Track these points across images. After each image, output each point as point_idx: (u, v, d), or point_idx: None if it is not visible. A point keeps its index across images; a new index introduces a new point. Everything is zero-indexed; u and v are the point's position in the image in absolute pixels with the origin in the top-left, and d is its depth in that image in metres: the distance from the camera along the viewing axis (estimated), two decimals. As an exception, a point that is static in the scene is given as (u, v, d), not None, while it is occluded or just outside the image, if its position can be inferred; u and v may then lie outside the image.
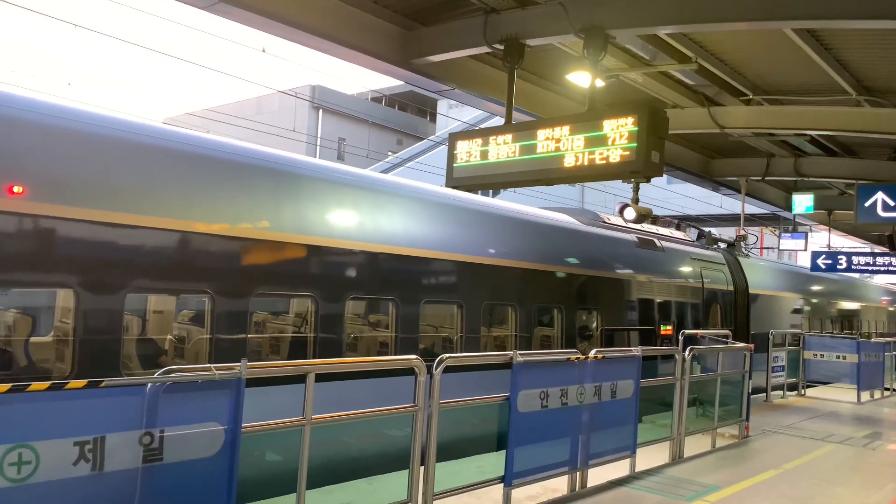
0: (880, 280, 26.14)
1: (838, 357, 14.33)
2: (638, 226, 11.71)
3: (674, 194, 27.94)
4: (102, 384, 3.44)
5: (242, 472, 3.92)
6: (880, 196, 9.68)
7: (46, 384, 3.31)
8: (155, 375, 3.65)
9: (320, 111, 36.05)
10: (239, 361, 3.92)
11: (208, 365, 3.91)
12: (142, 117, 6.37)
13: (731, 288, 14.03)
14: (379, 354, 7.28)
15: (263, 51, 17.70)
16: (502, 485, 5.63)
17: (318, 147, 32.53)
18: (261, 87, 28.00)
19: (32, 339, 5.21)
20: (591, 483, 6.53)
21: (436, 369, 5.08)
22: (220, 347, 5.69)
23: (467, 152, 7.68)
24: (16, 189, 4.73)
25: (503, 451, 5.67)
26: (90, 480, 3.32)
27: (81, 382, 3.39)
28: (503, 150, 7.34)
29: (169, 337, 6.09)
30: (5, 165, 4.80)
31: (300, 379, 4.44)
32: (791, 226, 22.09)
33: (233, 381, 3.85)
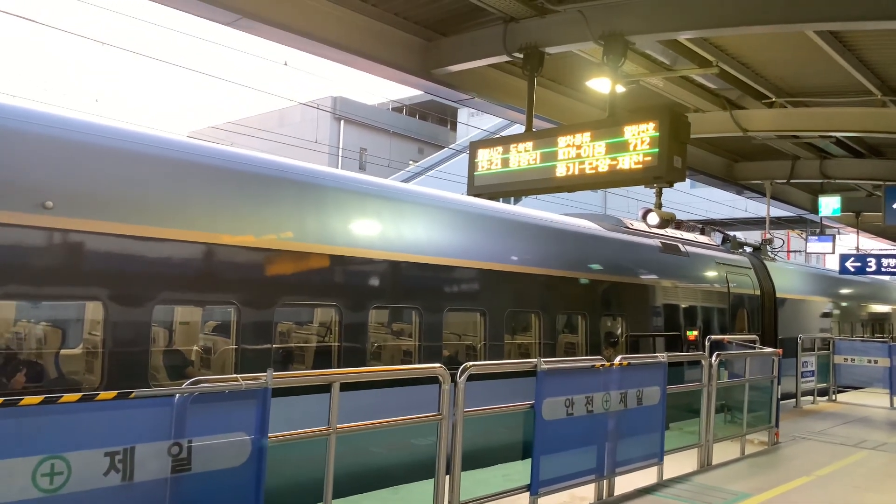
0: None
1: (870, 361, 14.04)
2: (661, 231, 11.61)
3: (697, 198, 27.67)
4: (132, 395, 3.50)
5: (269, 481, 3.95)
6: (909, 197, 9.51)
7: (77, 396, 3.37)
8: (183, 386, 3.70)
9: (342, 122, 36.35)
10: (265, 371, 3.96)
11: (235, 375, 3.95)
12: (167, 132, 6.49)
13: (758, 292, 13.84)
14: (402, 363, 7.29)
15: (286, 64, 17.92)
16: (528, 493, 5.60)
17: (339, 157, 32.80)
18: (283, 99, 28.38)
19: (63, 351, 5.32)
20: (618, 491, 6.46)
21: (460, 377, 5.08)
22: (246, 358, 5.75)
23: (488, 160, 7.70)
24: (48, 204, 4.84)
25: (529, 460, 5.64)
26: (120, 490, 3.37)
27: (112, 394, 3.45)
28: (524, 157, 7.35)
29: (195, 348, 6.17)
30: (40, 181, 4.91)
31: (325, 388, 4.46)
32: (818, 228, 21.74)
33: (259, 391, 3.88)
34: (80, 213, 5.03)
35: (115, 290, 5.15)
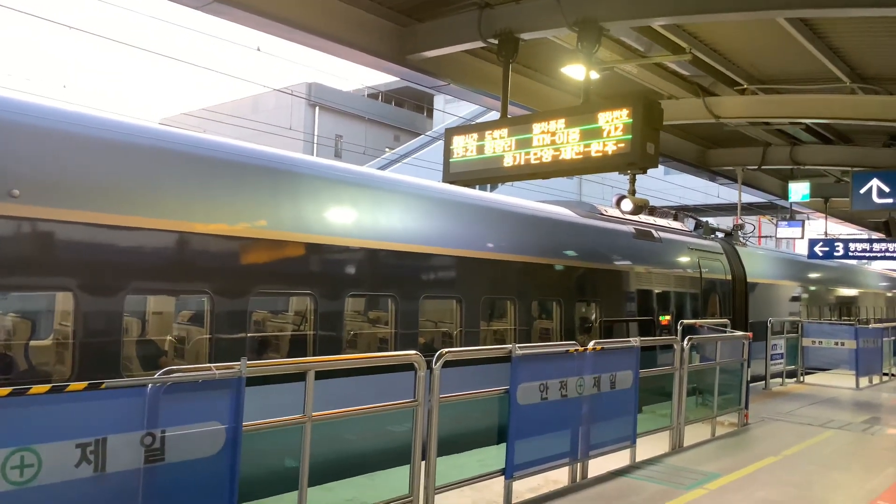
0: (878, 266, 26.20)
1: (837, 343, 14.38)
2: (635, 217, 11.72)
3: (671, 185, 27.97)
4: (103, 386, 3.46)
5: (244, 470, 3.94)
6: (875, 183, 9.71)
7: (47, 387, 3.33)
8: (155, 376, 3.68)
9: (317, 108, 36.01)
10: (238, 361, 3.94)
11: (208, 364, 3.93)
12: (138, 118, 6.38)
13: (729, 277, 14.07)
14: (379, 351, 7.30)
15: (258, 49, 17.67)
16: (503, 477, 5.66)
17: (315, 144, 32.52)
18: (257, 85, 27.98)
19: (32, 342, 5.23)
20: (591, 474, 6.57)
21: (435, 364, 5.10)
22: (220, 347, 5.71)
23: (464, 147, 7.69)
24: (14, 192, 4.74)
25: (504, 444, 5.70)
26: (92, 482, 3.35)
27: (82, 384, 3.41)
28: (499, 144, 7.36)
29: (169, 338, 6.11)
30: (5, 169, 4.81)
31: (301, 377, 4.46)
32: (788, 214, 22.11)
33: (233, 380, 3.87)
34: (47, 201, 4.94)
35: (86, 280, 5.08)
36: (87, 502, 3.35)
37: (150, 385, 3.60)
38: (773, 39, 8.64)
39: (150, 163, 5.73)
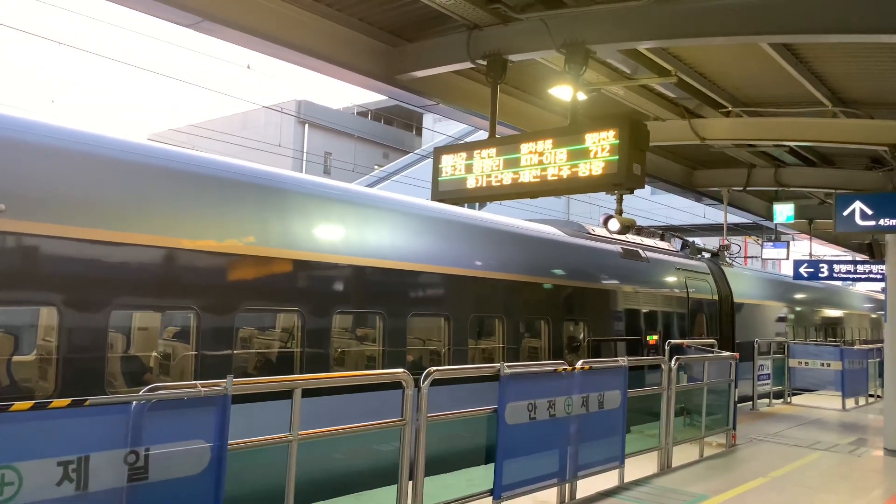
0: (862, 288, 26.45)
1: (822, 364, 14.46)
2: (622, 237, 11.80)
3: (658, 205, 28.17)
4: (87, 403, 3.42)
5: (229, 489, 3.89)
6: (858, 205, 9.80)
7: (29, 404, 3.29)
8: (140, 393, 3.64)
9: (306, 126, 36.08)
10: (224, 378, 3.91)
11: (194, 382, 3.89)
12: (126, 134, 6.36)
13: (716, 297, 14.15)
14: (367, 368, 7.26)
15: (248, 67, 17.72)
16: (491, 498, 5.62)
17: (304, 161, 32.52)
18: (246, 102, 28.00)
19: (15, 357, 5.16)
20: (580, 495, 6.54)
21: (423, 382, 5.08)
22: (206, 364, 5.66)
23: (452, 166, 7.72)
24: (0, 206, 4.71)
25: (492, 464, 5.67)
26: (74, 501, 3.29)
27: (66, 401, 3.37)
28: (487, 163, 7.40)
29: (154, 354, 6.05)
30: None
31: (287, 395, 4.43)
32: (773, 235, 22.32)
33: (218, 397, 3.83)
34: (33, 216, 4.91)
35: (70, 295, 5.03)
36: (69, 522, 3.29)
37: (134, 402, 3.56)
38: (757, 64, 8.78)
39: (137, 178, 5.71)
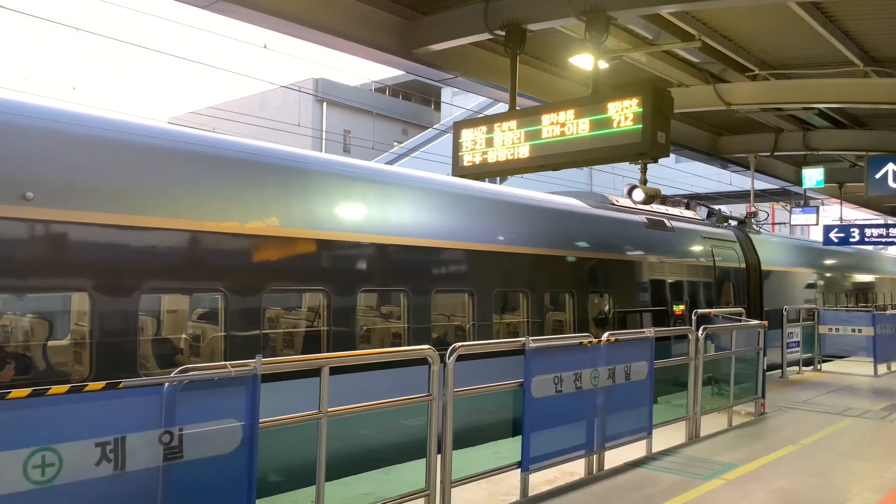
0: (895, 251, 25.91)
1: (854, 330, 14.24)
2: (647, 207, 11.66)
3: (683, 173, 27.76)
4: (121, 385, 3.49)
5: (262, 466, 3.97)
6: (891, 167, 9.58)
7: (66, 387, 3.36)
8: (171, 374, 3.70)
9: (324, 104, 36.03)
10: (253, 358, 3.96)
11: (223, 362, 3.95)
12: (146, 118, 6.41)
13: (743, 265, 13.97)
14: (392, 345, 7.31)
15: (265, 47, 17.67)
16: (519, 470, 5.67)
17: (323, 140, 32.57)
18: (264, 82, 28.04)
19: (50, 343, 5.29)
20: (607, 465, 6.55)
21: (448, 358, 5.11)
22: (235, 344, 5.75)
23: (472, 140, 7.67)
24: (28, 195, 4.79)
25: (519, 437, 5.70)
26: (112, 480, 3.38)
27: (100, 384, 3.44)
28: (508, 136, 7.33)
29: (184, 336, 6.16)
30: (15, 172, 4.85)
31: (315, 373, 4.48)
32: (802, 200, 21.90)
33: (248, 377, 3.89)
34: (61, 203, 4.98)
35: (101, 281, 5.12)
36: (108, 501, 3.39)
37: (166, 384, 3.63)
38: (784, 24, 8.54)
39: (161, 162, 5.76)
